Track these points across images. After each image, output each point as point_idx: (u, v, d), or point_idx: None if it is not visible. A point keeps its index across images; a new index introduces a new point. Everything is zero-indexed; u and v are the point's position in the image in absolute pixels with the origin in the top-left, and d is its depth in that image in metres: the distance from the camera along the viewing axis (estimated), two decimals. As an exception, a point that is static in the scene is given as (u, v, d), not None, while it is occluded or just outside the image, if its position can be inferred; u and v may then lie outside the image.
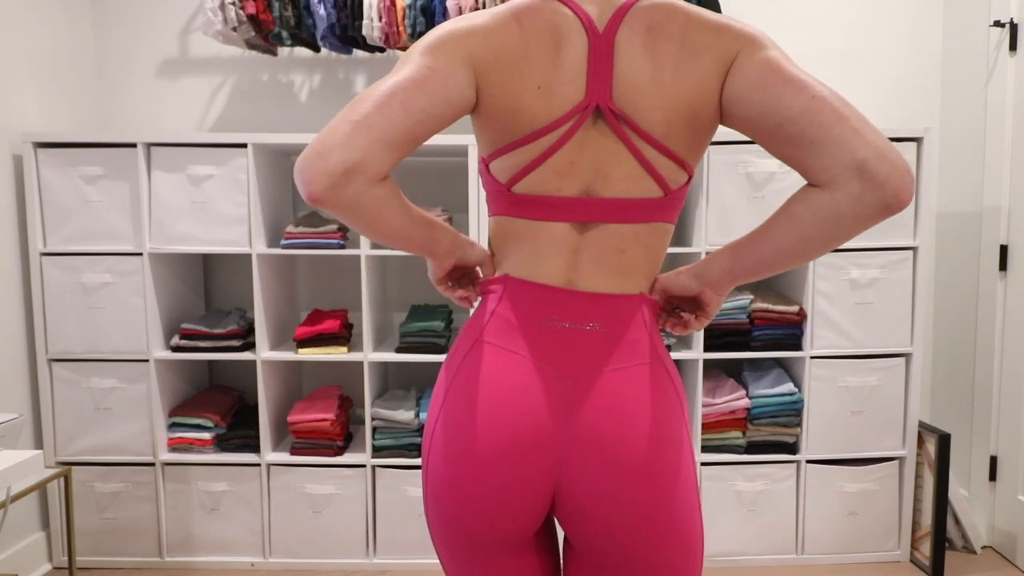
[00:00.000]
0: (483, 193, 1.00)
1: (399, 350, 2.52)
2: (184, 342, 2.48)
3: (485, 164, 0.95)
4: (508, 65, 0.86)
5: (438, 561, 1.21)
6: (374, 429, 2.49)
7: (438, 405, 0.95)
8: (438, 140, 2.44)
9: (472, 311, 0.99)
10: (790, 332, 2.49)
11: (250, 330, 2.57)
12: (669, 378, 0.94)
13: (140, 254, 2.44)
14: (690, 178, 0.96)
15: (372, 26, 2.41)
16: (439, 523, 0.94)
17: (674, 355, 2.49)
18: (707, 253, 2.44)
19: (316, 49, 2.63)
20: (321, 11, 2.41)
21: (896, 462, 2.54)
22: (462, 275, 1.05)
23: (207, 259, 2.90)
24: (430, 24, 2.42)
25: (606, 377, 0.90)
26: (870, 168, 0.75)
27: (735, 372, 2.74)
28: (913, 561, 2.55)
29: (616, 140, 0.88)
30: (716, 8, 2.35)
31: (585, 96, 0.87)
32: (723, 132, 2.59)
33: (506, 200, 0.93)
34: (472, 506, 0.90)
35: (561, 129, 0.87)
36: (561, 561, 1.03)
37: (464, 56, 0.85)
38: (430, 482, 0.94)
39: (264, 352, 2.50)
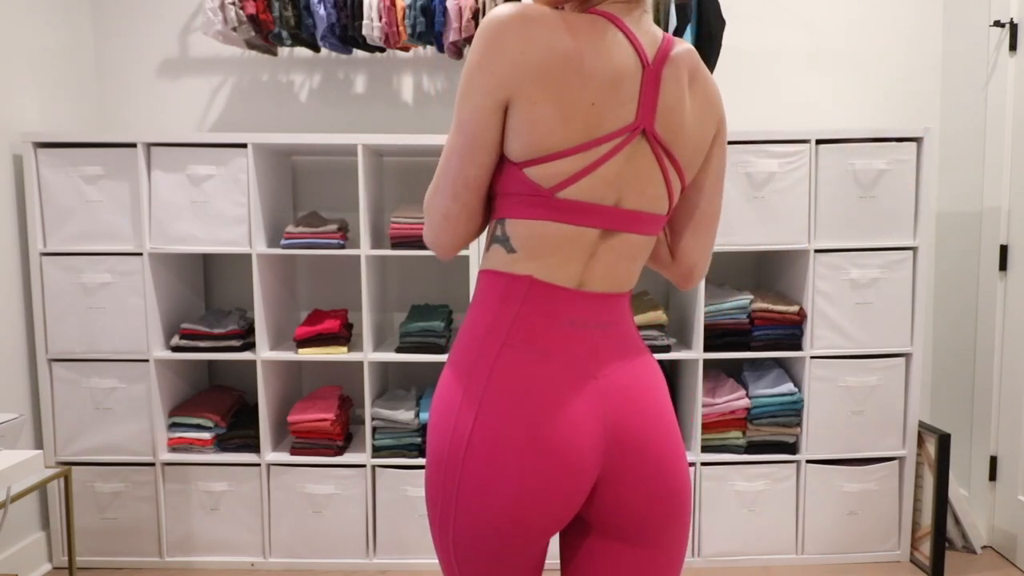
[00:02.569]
0: None
1: (399, 350, 2.52)
2: (184, 342, 2.48)
3: (519, 168, 0.93)
4: (560, 80, 0.88)
5: (438, 561, 1.20)
6: (374, 429, 2.49)
7: (472, 408, 0.93)
8: (434, 141, 2.44)
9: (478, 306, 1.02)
10: (790, 332, 2.49)
11: (250, 330, 2.57)
12: (653, 360, 1.06)
13: (140, 254, 2.44)
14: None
15: (372, 26, 2.41)
16: (474, 527, 0.92)
17: (674, 355, 2.49)
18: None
19: (316, 49, 2.63)
20: (321, 11, 2.41)
21: (896, 462, 2.54)
22: None
23: (207, 259, 2.90)
24: (430, 24, 2.42)
25: (619, 374, 0.98)
26: (696, 276, 1.13)
27: (735, 372, 2.74)
28: (913, 561, 2.55)
29: (653, 161, 0.96)
30: (717, 9, 2.35)
31: (636, 118, 0.93)
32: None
33: (548, 205, 0.93)
34: (527, 513, 0.91)
35: (612, 142, 0.92)
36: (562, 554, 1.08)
37: (499, 79, 0.88)
38: (471, 487, 0.92)
39: (264, 352, 2.50)
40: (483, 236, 1.35)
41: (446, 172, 0.95)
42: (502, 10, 0.88)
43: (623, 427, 0.95)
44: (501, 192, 0.97)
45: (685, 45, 0.98)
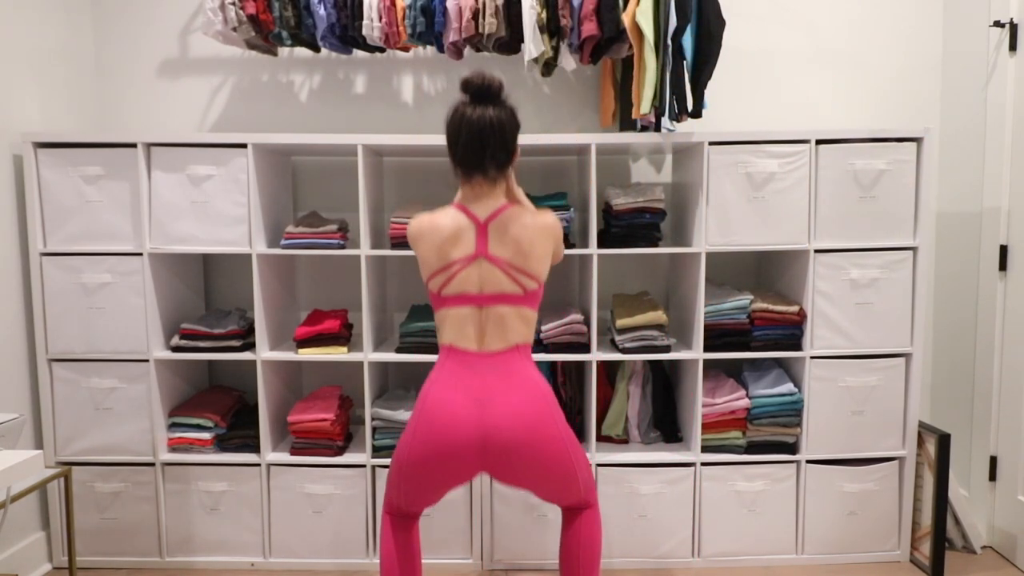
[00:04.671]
0: None
1: (399, 350, 2.52)
2: (184, 342, 2.48)
3: (426, 283, 1.77)
4: (431, 243, 1.73)
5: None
6: (374, 429, 2.49)
7: (416, 414, 1.74)
8: (434, 141, 2.44)
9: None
10: (790, 332, 2.49)
11: (250, 330, 2.57)
12: (538, 388, 1.74)
13: (140, 254, 2.44)
14: (540, 284, 1.77)
15: (372, 26, 2.41)
16: (412, 476, 1.73)
17: (674, 355, 2.49)
18: (707, 254, 2.45)
19: (316, 49, 2.64)
20: (321, 11, 2.41)
21: (896, 462, 2.54)
22: None
23: (207, 259, 2.91)
24: (430, 24, 2.42)
25: (499, 400, 1.69)
26: None
27: (735, 372, 2.74)
28: (913, 561, 2.55)
29: (493, 267, 1.72)
30: (717, 10, 2.35)
31: (475, 250, 1.72)
32: (722, 131, 2.57)
33: (440, 299, 1.75)
34: (433, 470, 1.72)
35: (457, 265, 1.71)
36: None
37: (414, 247, 1.78)
38: (412, 455, 1.71)
39: (264, 352, 2.50)
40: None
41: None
42: (414, 220, 1.77)
43: (496, 433, 1.67)
44: (429, 297, 1.80)
45: (512, 210, 1.74)
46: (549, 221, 1.78)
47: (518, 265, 1.72)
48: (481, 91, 1.68)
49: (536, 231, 1.74)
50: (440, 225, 1.73)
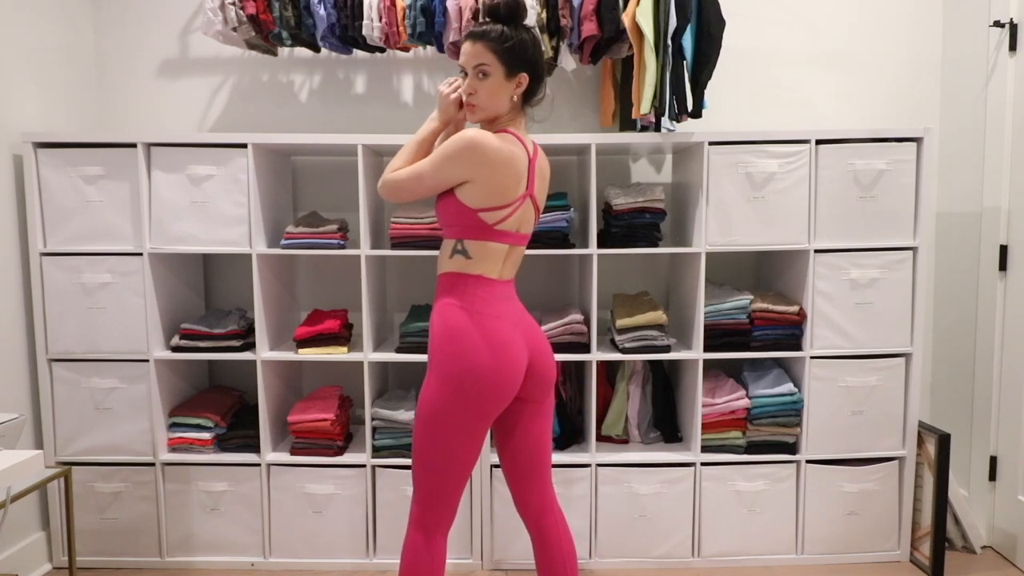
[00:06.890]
0: None
1: (399, 350, 2.52)
2: (184, 342, 2.48)
3: (475, 212, 1.66)
4: (510, 176, 1.66)
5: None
6: (374, 429, 2.49)
7: (468, 337, 1.65)
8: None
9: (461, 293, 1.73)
10: (790, 332, 2.49)
11: (250, 330, 2.57)
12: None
13: (140, 254, 2.44)
14: None
15: (372, 26, 2.41)
16: (483, 393, 1.65)
17: (674, 355, 2.50)
18: (707, 254, 2.45)
19: (316, 49, 2.64)
20: (321, 11, 2.41)
21: (896, 462, 2.54)
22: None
23: (207, 259, 2.90)
24: (430, 24, 2.42)
25: (525, 323, 1.78)
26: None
27: (735, 372, 2.74)
28: (913, 561, 2.55)
29: (532, 209, 1.76)
30: (717, 11, 2.35)
31: (526, 190, 1.71)
32: (722, 131, 2.57)
33: (490, 232, 1.69)
34: (504, 383, 1.67)
35: (518, 202, 1.69)
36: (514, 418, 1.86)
37: (462, 172, 1.64)
38: (478, 375, 1.64)
39: (264, 352, 2.50)
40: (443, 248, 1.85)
41: (419, 174, 1.69)
42: (470, 133, 1.61)
43: (532, 350, 1.75)
44: (461, 224, 1.69)
45: (539, 147, 1.78)
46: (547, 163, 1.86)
47: (541, 208, 1.81)
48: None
49: (548, 173, 1.85)
50: (519, 159, 1.68)
